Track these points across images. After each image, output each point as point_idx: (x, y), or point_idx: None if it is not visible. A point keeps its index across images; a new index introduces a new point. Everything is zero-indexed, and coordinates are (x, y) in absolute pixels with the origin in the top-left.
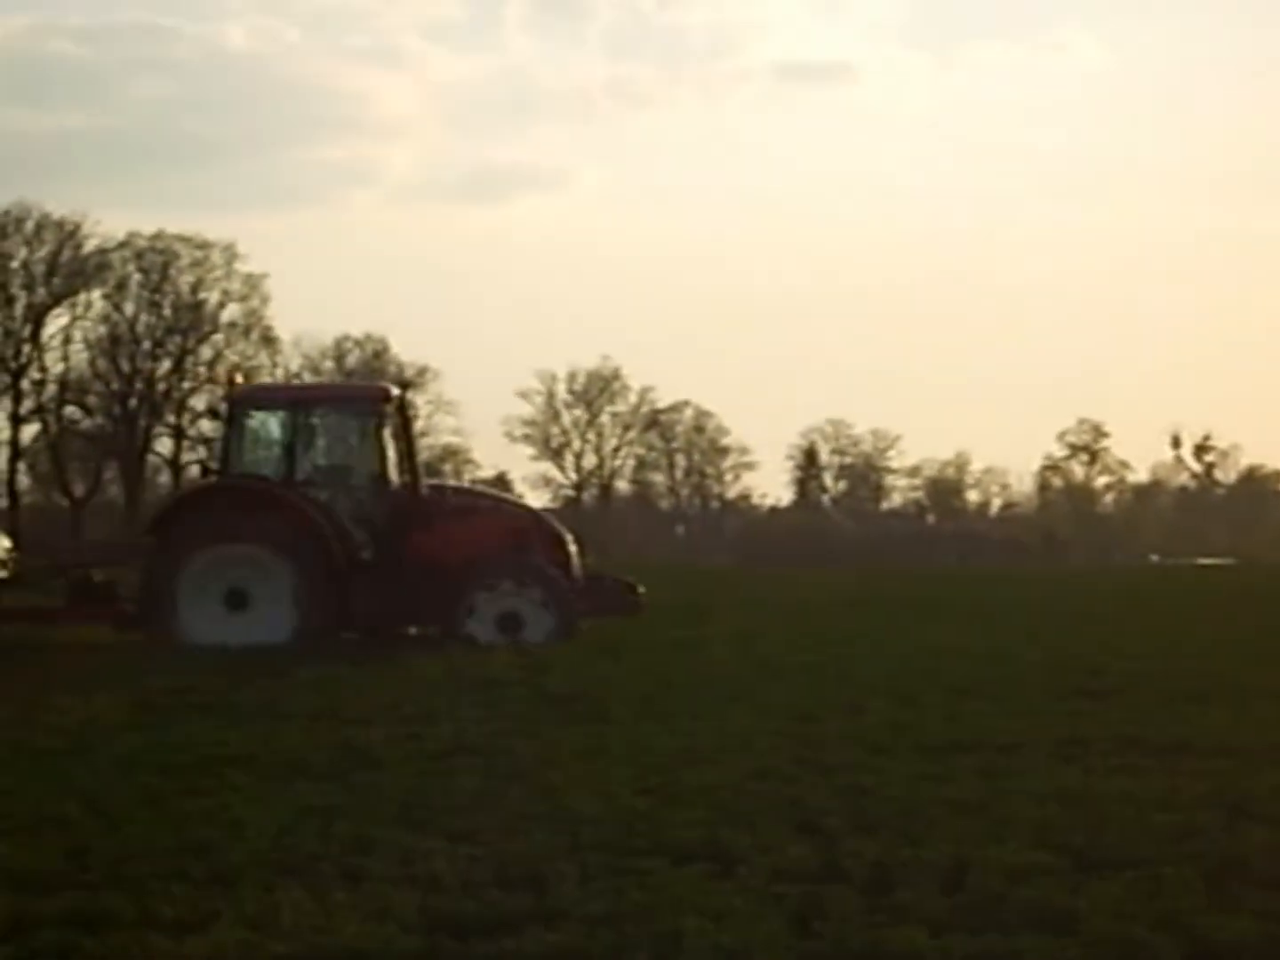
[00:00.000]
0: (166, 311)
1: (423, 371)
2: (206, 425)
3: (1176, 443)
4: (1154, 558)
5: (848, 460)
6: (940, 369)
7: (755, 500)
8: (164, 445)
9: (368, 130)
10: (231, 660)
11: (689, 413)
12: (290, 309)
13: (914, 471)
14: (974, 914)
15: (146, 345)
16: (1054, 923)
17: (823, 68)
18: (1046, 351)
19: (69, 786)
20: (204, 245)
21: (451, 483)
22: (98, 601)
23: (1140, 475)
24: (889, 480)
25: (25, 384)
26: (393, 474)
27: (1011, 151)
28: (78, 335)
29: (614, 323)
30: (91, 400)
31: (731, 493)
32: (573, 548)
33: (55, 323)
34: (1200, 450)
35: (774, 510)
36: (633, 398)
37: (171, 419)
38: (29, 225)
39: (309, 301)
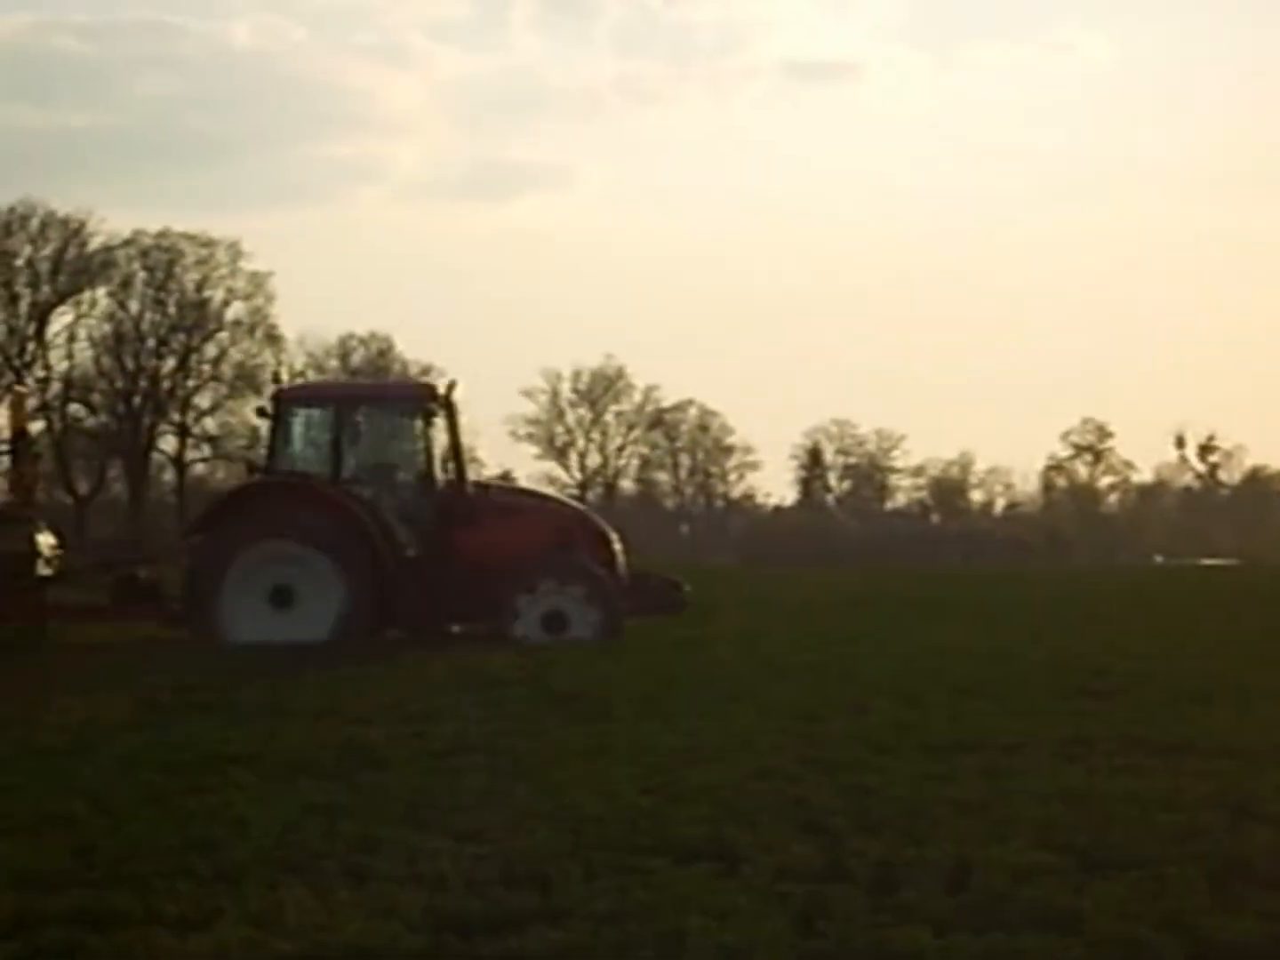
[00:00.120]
0: (171, 309)
1: (427, 370)
2: (210, 423)
3: (1181, 443)
4: (1158, 558)
5: (852, 460)
6: (944, 369)
7: (759, 500)
8: (168, 443)
9: (373, 128)
10: (234, 659)
11: (693, 412)
12: (295, 307)
13: (918, 471)
14: (978, 914)
15: (151, 343)
16: (1057, 922)
17: (829, 66)
18: (1051, 351)
19: (73, 785)
20: (209, 243)
21: (497, 481)
22: (143, 599)
23: (1144, 475)
24: (893, 480)
25: (30, 382)
26: (438, 472)
27: (1015, 151)
28: (82, 333)
29: (619, 321)
30: (96, 398)
31: (736, 492)
32: (617, 546)
33: (60, 320)
34: (1204, 450)
35: (778, 510)
36: (637, 397)
37: (176, 417)
38: (34, 223)
39: (314, 299)
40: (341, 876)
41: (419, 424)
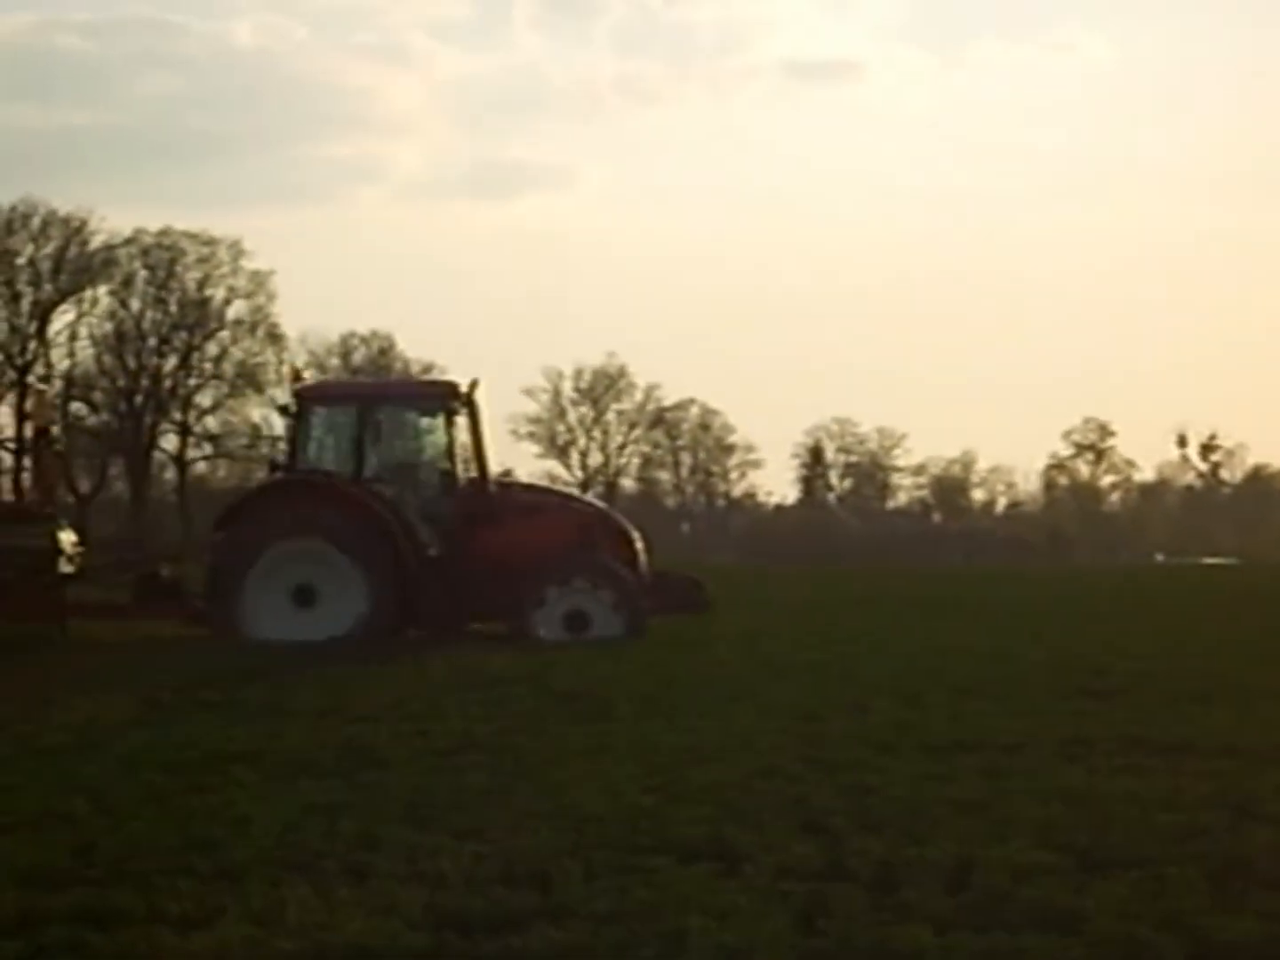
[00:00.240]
0: (173, 308)
1: (429, 368)
2: (212, 421)
3: (1182, 442)
4: (1159, 557)
5: (853, 459)
6: (946, 368)
7: (761, 498)
8: (169, 442)
9: (374, 127)
10: (237, 657)
11: (695, 410)
12: (296, 306)
13: (919, 470)
14: (978, 913)
15: (152, 342)
16: (1058, 922)
17: (829, 66)
18: (1052, 350)
19: (75, 783)
20: (210, 242)
21: (520, 480)
22: (164, 597)
23: (1146, 474)
24: (894, 479)
25: (31, 380)
26: (460, 471)
27: (1015, 151)
28: (84, 332)
29: (620, 320)
30: (97, 397)
31: (737, 491)
32: (639, 545)
33: (61, 319)
34: (1206, 449)
35: (779, 508)
36: (638, 395)
37: (177, 415)
38: (35, 222)
39: (315, 298)
40: (343, 875)
41: (441, 422)
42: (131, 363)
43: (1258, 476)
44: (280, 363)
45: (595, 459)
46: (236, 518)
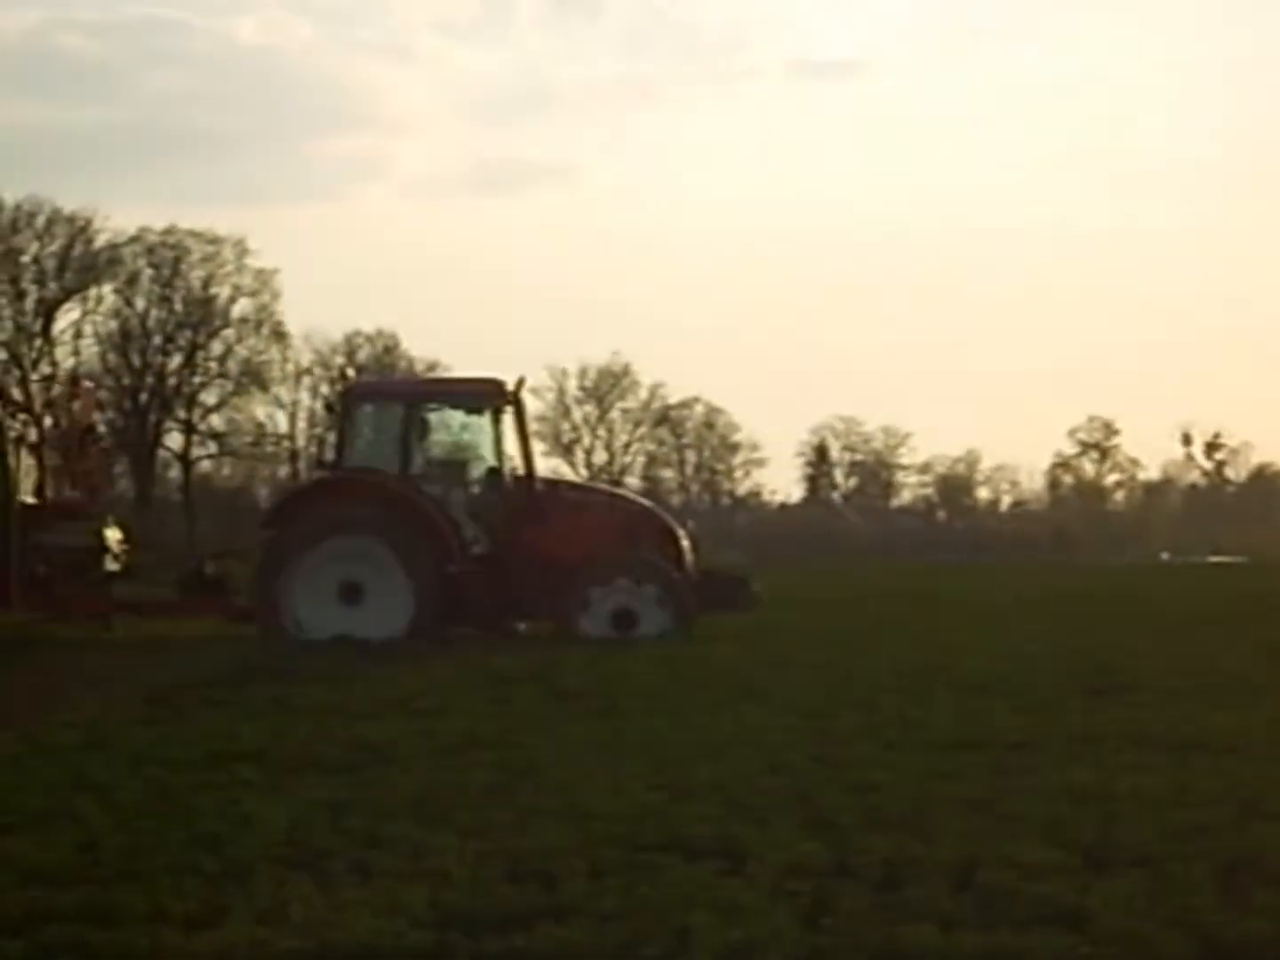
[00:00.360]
0: (177, 306)
1: (433, 367)
2: (217, 420)
3: (1187, 440)
4: (1165, 555)
5: (858, 457)
6: (951, 366)
7: (765, 497)
8: (174, 440)
9: (379, 125)
10: (240, 656)
11: (699, 409)
12: (301, 304)
13: (924, 468)
14: (984, 911)
15: (157, 340)
16: (1064, 920)
17: (834, 65)
18: (1057, 349)
19: (81, 781)
20: (215, 240)
21: (567, 477)
22: (209, 594)
23: (1151, 473)
24: (899, 477)
25: (36, 378)
26: (507, 468)
27: (1020, 149)
28: (89, 330)
29: (625, 318)
30: (102, 395)
31: (742, 489)
32: (686, 543)
33: (66, 317)
34: (1211, 448)
35: (784, 507)
36: (643, 394)
37: (182, 414)
38: (40, 220)
39: (320, 296)
40: (348, 873)
41: (487, 420)
42: (136, 361)
43: (1262, 475)
44: (285, 361)
45: (600, 457)
46: (284, 516)
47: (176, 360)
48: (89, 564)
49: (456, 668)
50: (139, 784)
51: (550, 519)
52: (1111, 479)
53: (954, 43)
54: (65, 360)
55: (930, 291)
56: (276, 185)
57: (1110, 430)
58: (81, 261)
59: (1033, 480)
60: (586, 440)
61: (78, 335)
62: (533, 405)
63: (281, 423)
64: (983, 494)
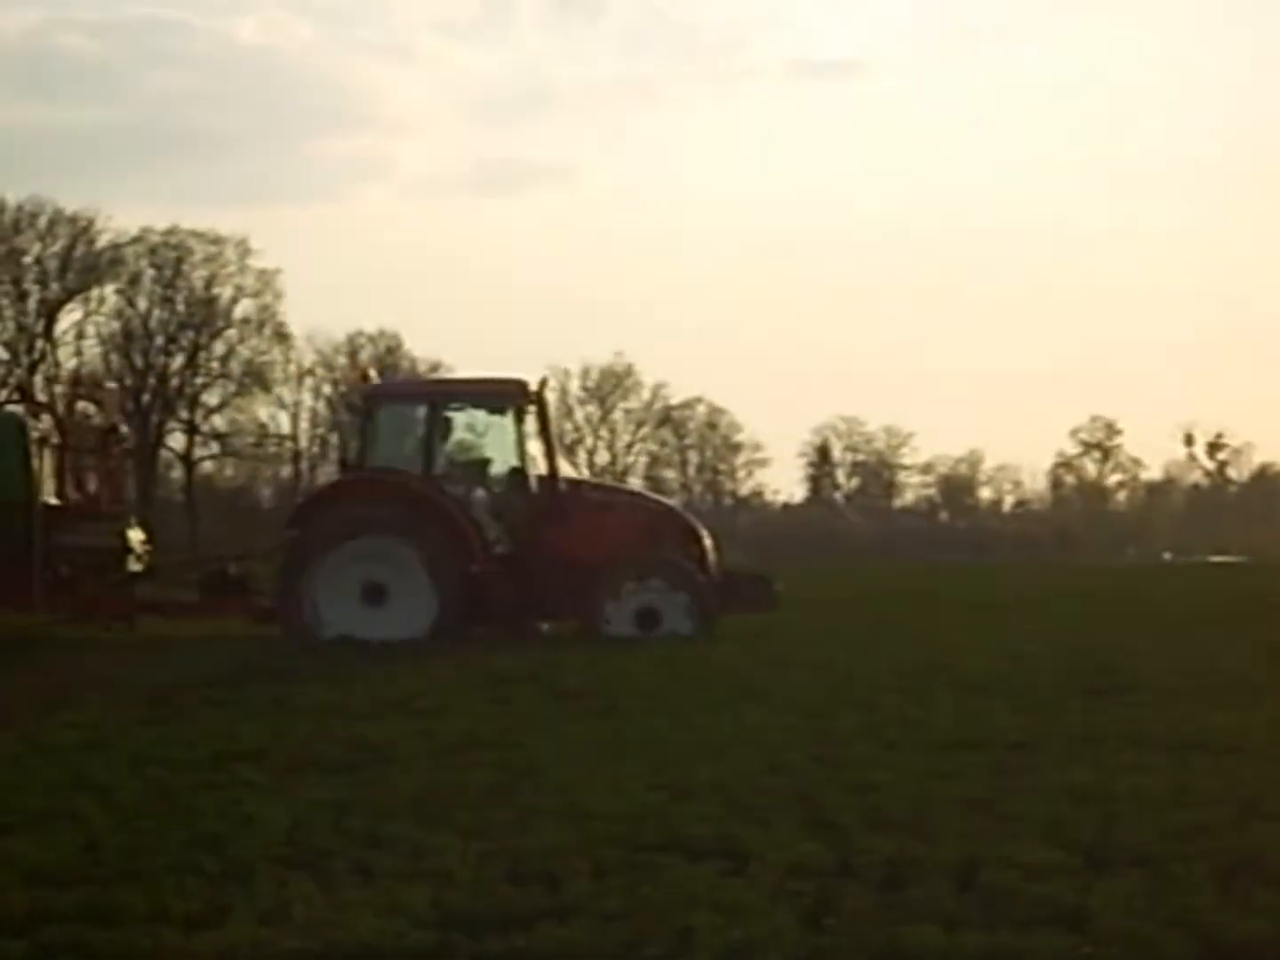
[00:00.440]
0: (180, 307)
1: (435, 367)
2: (219, 420)
3: (1189, 440)
4: (1166, 555)
5: (860, 457)
6: (953, 366)
7: (768, 497)
8: (177, 440)
9: (381, 125)
10: (240, 657)
11: (702, 409)
12: (303, 304)
13: (927, 469)
14: (985, 911)
15: (159, 340)
16: (1065, 920)
17: (835, 64)
18: (1059, 349)
19: (81, 781)
20: (217, 240)
21: (589, 477)
22: (232, 595)
23: (1153, 473)
24: (901, 477)
25: (38, 379)
26: (530, 468)
27: (1022, 149)
28: (91, 330)
29: (627, 318)
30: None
31: (744, 489)
32: (708, 543)
33: (68, 318)
34: (1213, 448)
35: (786, 507)
36: (645, 394)
37: (184, 414)
38: (42, 221)
39: (322, 296)
40: (349, 873)
41: (510, 420)
42: (138, 361)
43: (1264, 475)
44: (287, 361)
45: (602, 457)
46: (307, 516)
47: (179, 361)
48: (112, 565)
49: (457, 668)
50: (140, 784)
51: (573, 519)
52: (1114, 479)
53: (954, 43)
54: (68, 361)
55: (932, 291)
56: (278, 185)
57: (1112, 430)
58: (83, 262)
59: (1035, 480)
60: (589, 440)
61: (80, 336)
62: None
63: (284, 423)
64: (985, 494)
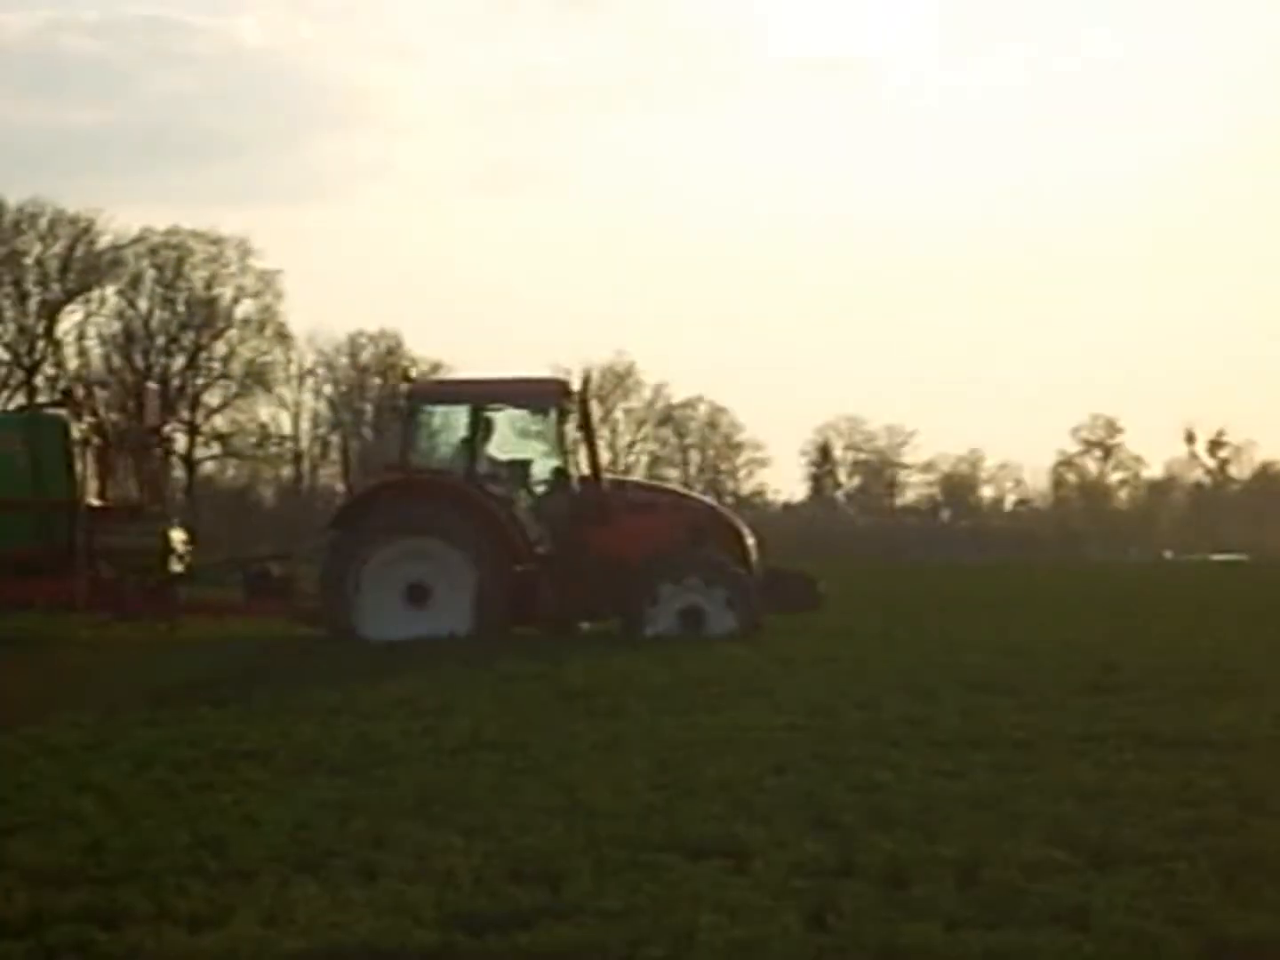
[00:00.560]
0: (180, 307)
1: (437, 367)
2: (220, 421)
3: (1191, 438)
4: (1168, 553)
5: (862, 456)
6: (954, 365)
7: (770, 496)
8: (178, 441)
9: (382, 125)
10: (246, 655)
11: (703, 409)
12: (304, 305)
13: (928, 467)
14: (989, 909)
15: (160, 341)
16: (1069, 917)
17: (837, 63)
18: (1060, 347)
19: (84, 782)
20: (218, 241)
21: (632, 477)
22: (275, 595)
23: (1154, 471)
24: (903, 476)
25: (40, 380)
26: (573, 468)
27: (1023, 147)
28: (92, 331)
29: (628, 318)
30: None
31: (746, 489)
32: (751, 542)
33: (69, 319)
34: (1214, 446)
35: (788, 506)
36: (647, 393)
37: (185, 415)
38: (43, 221)
39: (323, 297)
40: (353, 873)
41: (553, 420)
42: (139, 362)
43: (1266, 473)
44: (288, 362)
45: (604, 457)
46: (350, 517)
47: (180, 361)
48: (154, 565)
49: (461, 668)
50: (143, 785)
51: (616, 518)
52: (1115, 477)
53: (955, 42)
54: (69, 362)
55: (933, 290)
56: (279, 186)
57: (1114, 428)
58: (84, 263)
59: (1036, 479)
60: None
61: (81, 337)
62: None
63: (285, 424)
64: (986, 492)
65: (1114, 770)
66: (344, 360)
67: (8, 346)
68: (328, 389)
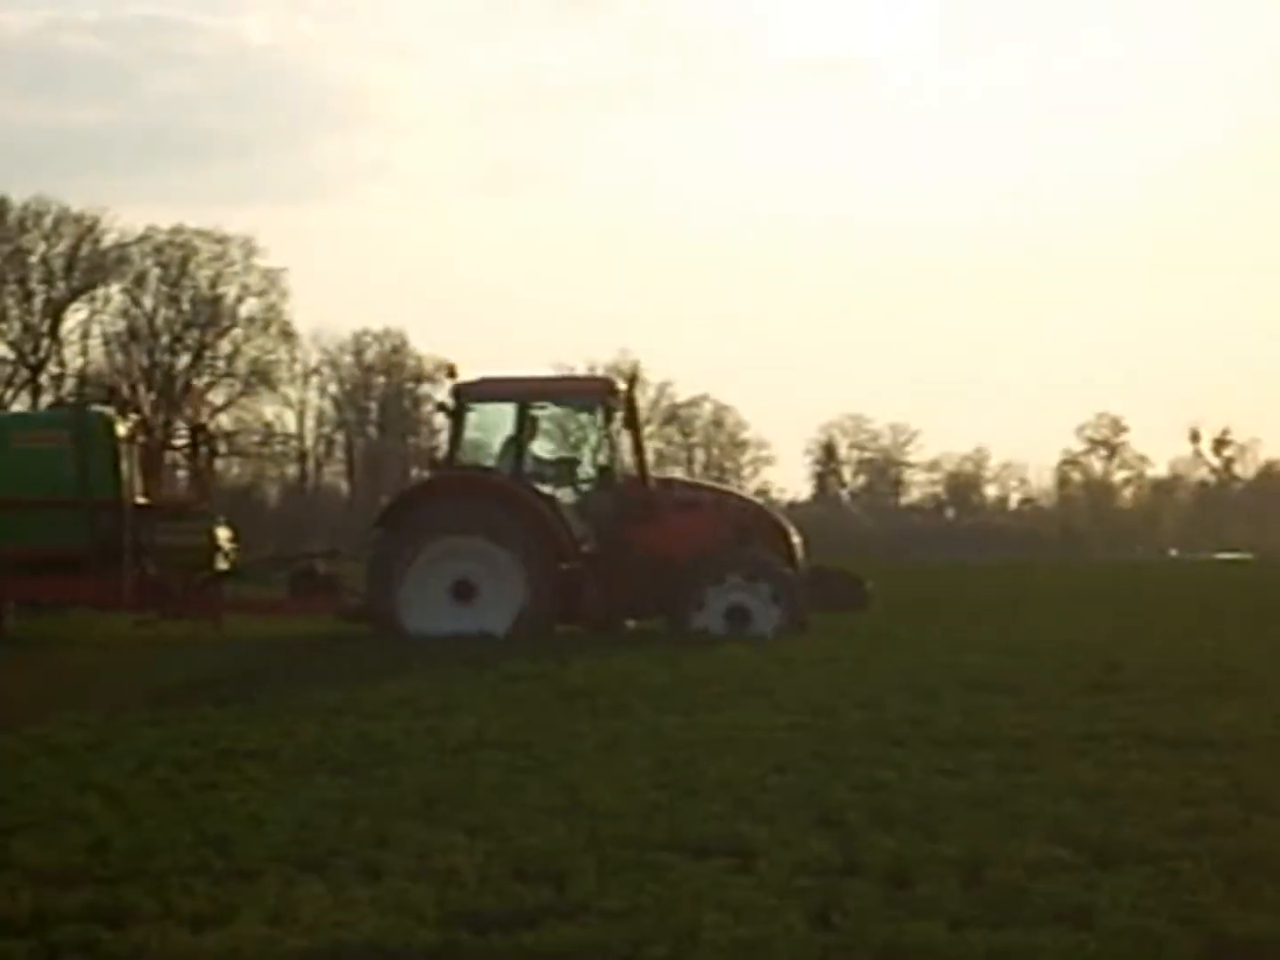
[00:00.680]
0: (185, 306)
1: (441, 365)
2: (225, 419)
3: (1195, 437)
4: (1173, 552)
5: (866, 455)
6: (958, 364)
7: (774, 495)
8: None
9: (386, 124)
10: (248, 655)
11: (708, 407)
12: (309, 303)
13: (933, 466)
14: (992, 908)
15: (165, 339)
16: (1071, 917)
17: (838, 63)
18: (1065, 346)
19: (89, 781)
20: (222, 240)
21: (678, 475)
22: (321, 593)
23: (1159, 470)
24: (907, 475)
25: (44, 378)
26: (619, 466)
27: (1025, 147)
28: (96, 330)
29: (632, 317)
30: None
31: (750, 487)
32: (797, 540)
33: (74, 317)
34: (1219, 445)
35: (792, 505)
36: (651, 392)
37: (189, 413)
38: (48, 220)
39: (327, 296)
40: (356, 873)
41: (599, 418)
42: (144, 361)
43: (1270, 472)
44: (293, 360)
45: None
46: (397, 514)
47: (184, 360)
48: (200, 563)
49: (464, 667)
50: (146, 784)
51: (663, 517)
52: (1119, 476)
53: (957, 41)
54: (73, 360)
55: (937, 289)
56: (283, 185)
57: (1118, 427)
58: (89, 261)
59: (1041, 478)
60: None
61: (85, 335)
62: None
63: (290, 422)
64: (991, 491)
65: (1116, 769)
66: (348, 359)
67: (12, 345)
68: (332, 388)
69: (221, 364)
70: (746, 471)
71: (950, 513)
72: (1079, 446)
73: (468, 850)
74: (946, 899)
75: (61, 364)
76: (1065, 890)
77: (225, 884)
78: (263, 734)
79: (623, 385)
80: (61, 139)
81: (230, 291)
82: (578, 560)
